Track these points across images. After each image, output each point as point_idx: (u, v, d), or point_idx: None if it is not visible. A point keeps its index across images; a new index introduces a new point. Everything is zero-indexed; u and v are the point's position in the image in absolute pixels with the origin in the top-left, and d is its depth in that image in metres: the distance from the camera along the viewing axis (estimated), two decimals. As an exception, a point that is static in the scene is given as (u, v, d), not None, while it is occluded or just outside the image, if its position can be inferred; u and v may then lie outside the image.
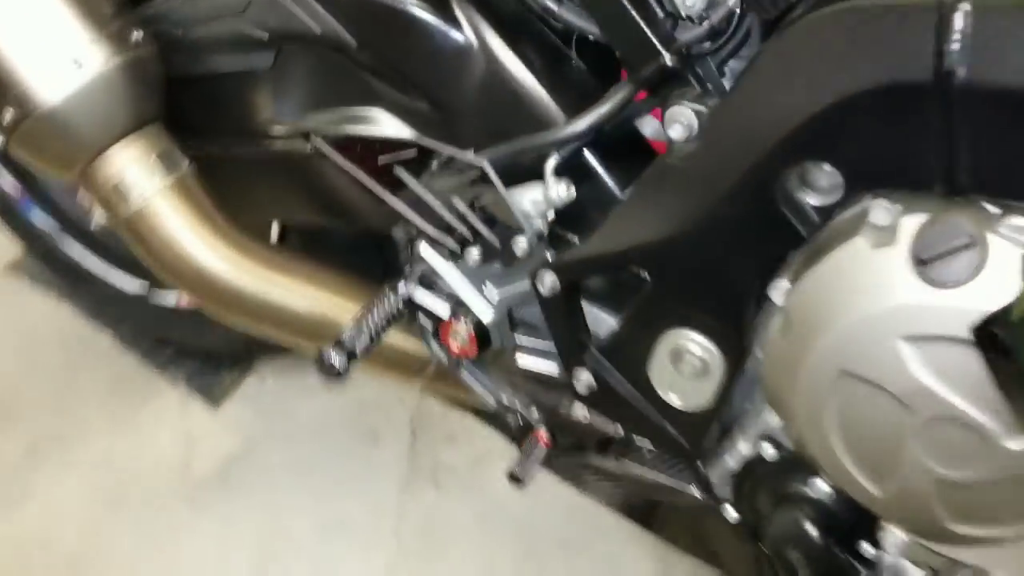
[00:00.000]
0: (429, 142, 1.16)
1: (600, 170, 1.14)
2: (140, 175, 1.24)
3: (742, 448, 1.07)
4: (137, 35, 1.22)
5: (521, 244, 1.15)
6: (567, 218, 1.13)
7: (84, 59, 1.16)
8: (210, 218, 1.28)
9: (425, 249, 1.23)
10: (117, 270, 1.88)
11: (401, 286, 1.24)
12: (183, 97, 1.30)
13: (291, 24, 1.20)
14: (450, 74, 1.15)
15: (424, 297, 1.24)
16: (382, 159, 1.22)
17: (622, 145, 1.15)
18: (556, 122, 1.11)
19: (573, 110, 1.09)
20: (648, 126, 1.19)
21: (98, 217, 1.41)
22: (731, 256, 0.93)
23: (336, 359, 1.17)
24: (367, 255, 1.54)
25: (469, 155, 1.11)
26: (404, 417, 1.96)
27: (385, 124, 1.23)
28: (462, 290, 1.23)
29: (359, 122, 1.23)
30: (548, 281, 1.13)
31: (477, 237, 1.18)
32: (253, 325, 1.33)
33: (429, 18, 1.12)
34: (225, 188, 1.31)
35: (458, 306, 1.23)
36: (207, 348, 1.95)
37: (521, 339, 1.24)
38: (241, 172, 1.39)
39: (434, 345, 1.30)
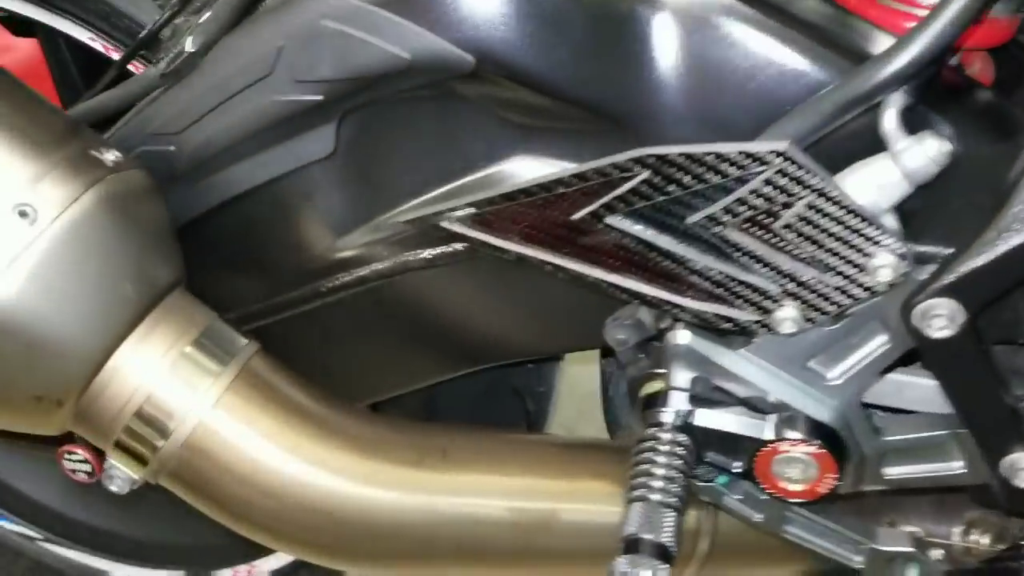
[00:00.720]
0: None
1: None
2: (179, 379, 0.71)
3: None
4: (111, 155, 0.72)
5: (880, 265, 0.64)
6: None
7: (34, 202, 0.65)
8: (320, 419, 0.76)
9: (688, 338, 0.71)
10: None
11: (665, 416, 0.72)
12: (195, 252, 0.80)
13: (359, 62, 0.72)
14: (639, 63, 0.69)
15: (716, 419, 0.71)
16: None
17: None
18: (833, 76, 0.64)
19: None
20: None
21: (117, 482, 0.87)
22: None
23: (650, 572, 0.64)
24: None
25: (766, 145, 0.62)
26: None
27: (531, 172, 0.75)
28: (775, 386, 0.71)
29: (492, 188, 0.73)
30: (942, 314, 0.63)
31: (788, 294, 0.67)
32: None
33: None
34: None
35: (778, 415, 0.71)
36: None
37: (889, 437, 0.73)
38: (308, 342, 0.87)
39: (733, 499, 0.76)
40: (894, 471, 0.74)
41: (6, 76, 0.71)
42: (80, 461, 1.01)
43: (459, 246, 0.78)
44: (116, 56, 0.93)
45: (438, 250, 0.79)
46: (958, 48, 0.69)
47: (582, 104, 0.72)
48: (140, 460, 0.73)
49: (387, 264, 0.81)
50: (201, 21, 0.77)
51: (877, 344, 0.69)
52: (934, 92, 0.68)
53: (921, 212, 0.68)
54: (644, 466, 0.69)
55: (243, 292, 0.85)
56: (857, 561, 0.78)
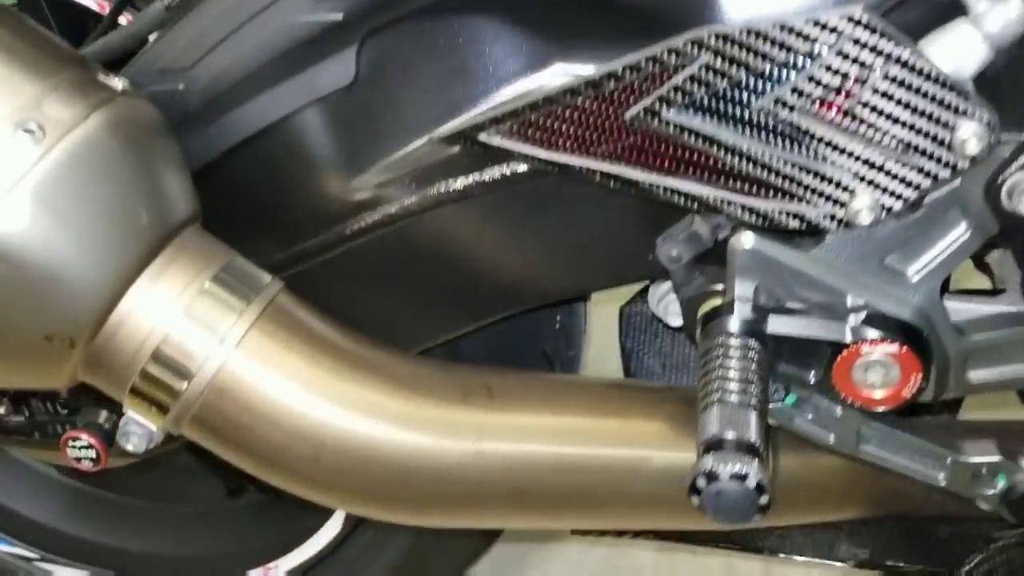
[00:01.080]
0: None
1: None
2: (199, 317, 0.65)
3: None
4: (120, 82, 0.66)
5: (966, 136, 0.60)
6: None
7: (39, 120, 0.59)
8: (354, 357, 0.70)
9: (753, 241, 0.66)
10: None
11: (732, 324, 0.66)
12: (211, 201, 0.74)
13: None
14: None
15: (789, 325, 0.66)
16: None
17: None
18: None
19: None
20: None
21: (133, 439, 0.78)
22: None
23: (740, 466, 0.58)
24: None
25: (837, 11, 0.57)
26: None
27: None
28: (851, 286, 0.66)
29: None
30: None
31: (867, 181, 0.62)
32: (498, 516, 0.74)
33: None
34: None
35: (856, 316, 0.66)
36: None
37: (973, 336, 0.68)
38: (334, 293, 0.81)
39: (804, 419, 0.71)
40: (980, 375, 0.69)
41: (6, 8, 0.65)
42: (85, 447, 0.93)
43: (493, 173, 0.73)
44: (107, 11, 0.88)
45: (471, 179, 0.74)
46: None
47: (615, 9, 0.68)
48: (160, 407, 0.66)
49: (416, 198, 0.75)
50: (208, -55, 0.72)
51: (957, 234, 0.65)
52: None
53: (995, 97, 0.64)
54: (715, 372, 0.64)
55: (263, 242, 0.79)
56: (939, 478, 0.73)
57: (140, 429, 0.74)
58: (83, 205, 0.61)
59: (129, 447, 0.73)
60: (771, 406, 0.71)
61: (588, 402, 0.78)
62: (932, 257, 0.66)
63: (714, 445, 0.59)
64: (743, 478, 0.58)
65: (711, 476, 0.59)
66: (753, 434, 0.60)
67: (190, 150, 0.75)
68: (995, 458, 0.72)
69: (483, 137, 0.67)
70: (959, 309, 0.69)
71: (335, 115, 0.75)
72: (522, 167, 0.72)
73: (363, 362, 0.71)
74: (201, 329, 0.65)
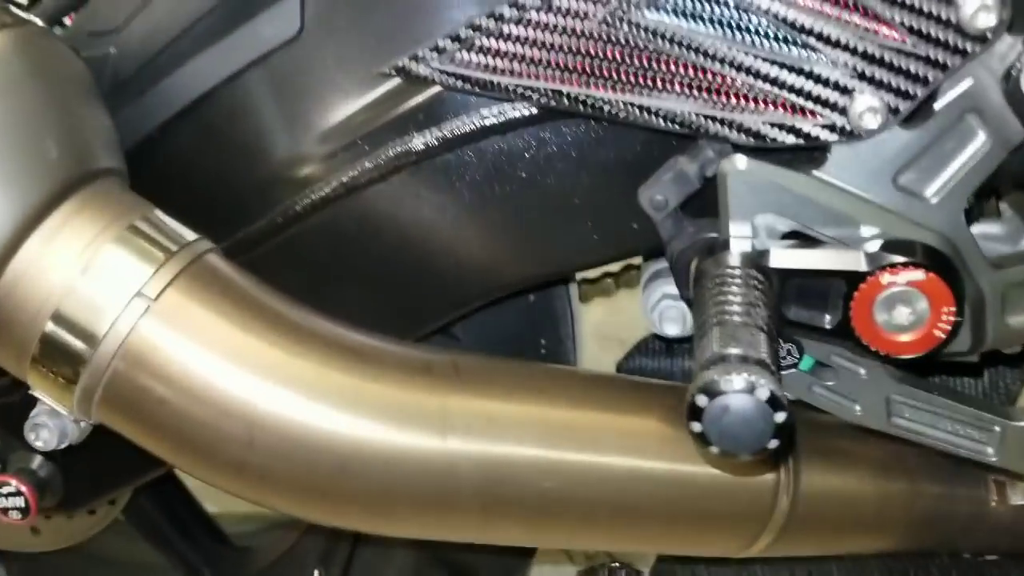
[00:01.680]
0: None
1: None
2: (108, 270, 0.56)
3: None
4: (37, 20, 0.61)
5: (974, 8, 0.52)
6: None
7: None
8: (294, 325, 0.61)
9: (746, 163, 0.58)
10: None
11: (731, 258, 0.57)
12: (149, 181, 0.66)
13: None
14: None
15: (796, 257, 0.57)
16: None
17: None
18: None
19: None
20: None
21: (43, 432, 0.67)
22: None
23: (748, 375, 0.47)
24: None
25: None
26: None
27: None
28: (863, 211, 0.57)
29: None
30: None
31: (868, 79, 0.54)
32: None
33: None
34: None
35: (871, 244, 0.56)
36: None
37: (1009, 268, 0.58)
38: (285, 286, 0.72)
39: (823, 388, 0.60)
40: (1022, 320, 0.59)
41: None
42: (12, 494, 0.82)
43: (455, 128, 0.66)
44: None
45: (430, 135, 0.66)
46: None
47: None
48: (67, 381, 0.56)
49: (370, 163, 0.67)
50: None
51: (976, 145, 0.57)
52: None
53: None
54: (711, 306, 0.54)
55: (207, 227, 0.71)
56: (988, 452, 0.62)
57: (51, 420, 0.64)
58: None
59: (39, 443, 0.63)
60: (785, 373, 0.61)
61: (577, 393, 0.68)
62: (951, 174, 0.57)
63: (715, 360, 0.49)
64: (752, 390, 0.47)
65: (712, 390, 0.48)
66: (762, 349, 0.49)
67: (125, 123, 0.68)
68: (1054, 421, 0.61)
69: (437, 65, 0.60)
70: (991, 237, 0.60)
71: (280, 75, 0.69)
72: (486, 119, 0.65)
73: (306, 331, 0.61)
74: (110, 284, 0.56)
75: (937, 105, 0.57)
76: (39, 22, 0.60)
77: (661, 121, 0.58)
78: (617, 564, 0.86)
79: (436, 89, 0.65)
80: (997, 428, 0.61)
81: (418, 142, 0.67)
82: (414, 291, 0.73)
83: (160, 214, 0.61)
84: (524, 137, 0.66)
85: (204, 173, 0.72)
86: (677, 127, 0.59)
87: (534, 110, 0.64)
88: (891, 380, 0.61)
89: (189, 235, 0.61)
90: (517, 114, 0.65)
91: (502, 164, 0.68)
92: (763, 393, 0.47)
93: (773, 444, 0.49)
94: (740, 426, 0.48)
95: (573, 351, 0.86)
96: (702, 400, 0.48)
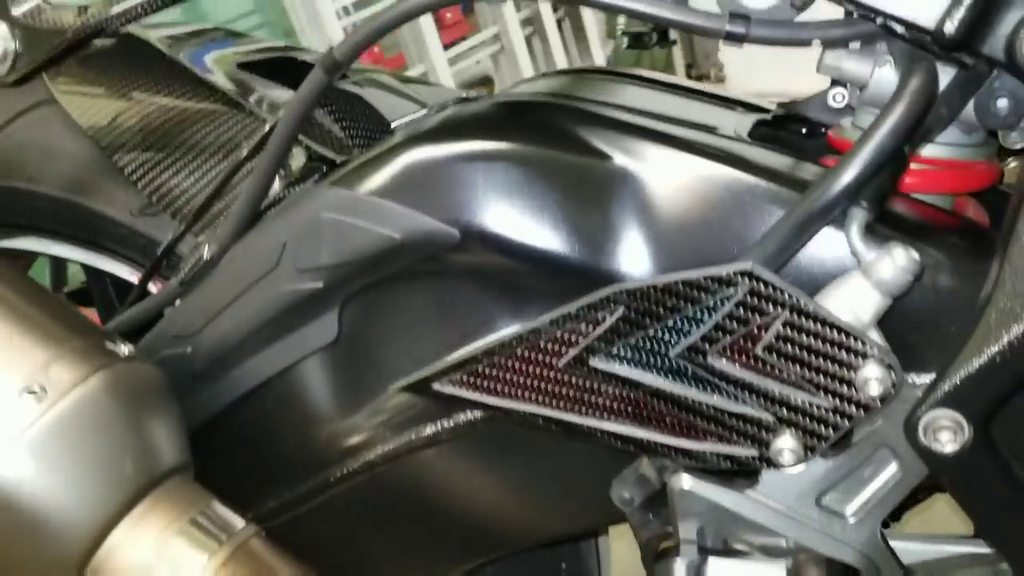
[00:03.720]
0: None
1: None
2: (173, 557, 0.71)
3: None
4: (125, 348, 0.77)
5: (868, 377, 0.63)
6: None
7: (44, 383, 0.69)
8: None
9: (690, 483, 0.69)
10: None
11: (677, 569, 0.68)
12: (211, 455, 0.82)
13: (355, 245, 0.77)
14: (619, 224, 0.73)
15: (728, 570, 0.67)
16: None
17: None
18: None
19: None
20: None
21: None
22: None
23: None
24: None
25: (731, 267, 0.63)
26: None
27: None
28: (788, 527, 0.67)
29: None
30: (946, 425, 0.61)
31: (783, 421, 0.65)
32: None
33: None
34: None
35: (794, 558, 0.66)
36: None
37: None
38: (320, 541, 0.86)
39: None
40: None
41: (26, 278, 0.78)
42: None
43: (461, 418, 0.79)
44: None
45: (440, 425, 0.80)
46: (912, 160, 0.70)
47: (567, 270, 0.75)
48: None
49: (391, 446, 0.81)
50: (216, 231, 0.85)
51: (889, 474, 0.66)
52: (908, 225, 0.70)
53: (917, 347, 0.68)
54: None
55: (257, 492, 0.86)
56: None
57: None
58: (74, 456, 0.69)
59: None
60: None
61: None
62: (867, 498, 0.67)
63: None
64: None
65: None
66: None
67: (197, 406, 0.85)
68: None
69: (436, 387, 0.73)
70: (911, 550, 0.68)
71: (322, 370, 0.84)
72: (483, 414, 0.78)
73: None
74: (175, 568, 0.71)
75: (854, 438, 0.67)
76: (127, 349, 0.76)
77: (618, 443, 0.70)
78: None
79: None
80: None
81: (427, 430, 0.80)
82: (430, 548, 0.86)
83: (217, 506, 0.75)
84: (516, 429, 0.79)
85: (258, 445, 0.87)
86: (631, 448, 0.70)
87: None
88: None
89: (238, 523, 0.75)
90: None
91: (505, 446, 0.80)
92: None
93: None
94: None
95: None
96: None
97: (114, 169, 0.96)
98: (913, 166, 0.71)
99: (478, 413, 0.78)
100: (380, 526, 0.86)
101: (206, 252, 0.84)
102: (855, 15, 0.68)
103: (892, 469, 0.66)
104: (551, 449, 0.79)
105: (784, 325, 0.64)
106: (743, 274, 0.64)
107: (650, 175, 0.74)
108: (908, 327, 0.67)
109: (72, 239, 1.02)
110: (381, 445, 0.82)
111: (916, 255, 0.64)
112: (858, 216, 0.65)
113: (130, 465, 0.71)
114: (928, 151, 0.72)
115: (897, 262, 0.63)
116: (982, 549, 0.68)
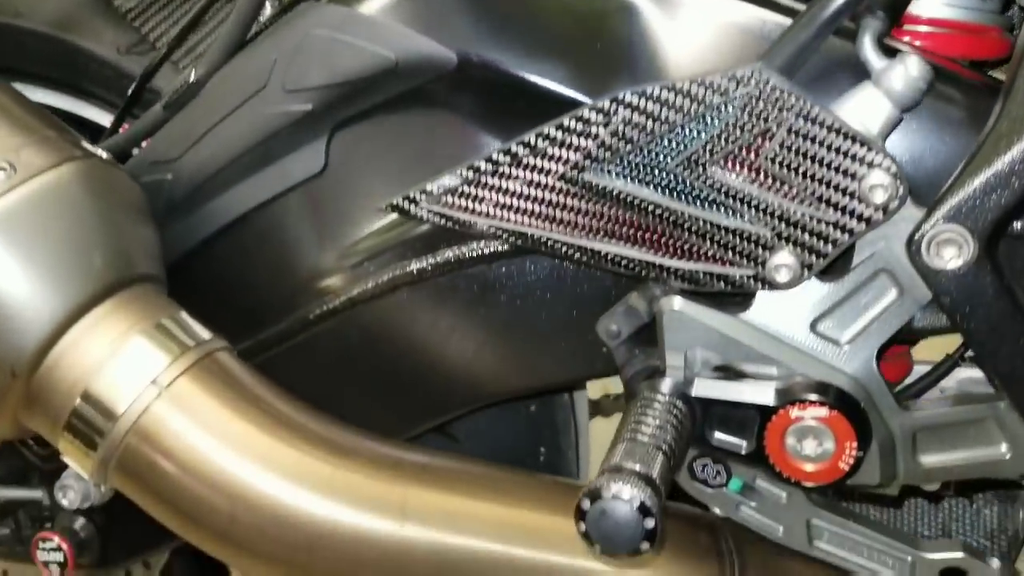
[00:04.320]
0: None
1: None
2: (132, 359, 0.67)
3: None
4: (102, 152, 0.74)
5: (874, 184, 0.61)
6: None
7: (14, 161, 0.66)
8: (284, 418, 0.71)
9: (681, 304, 0.66)
10: None
11: (663, 386, 0.65)
12: (188, 289, 0.79)
13: (347, 65, 0.74)
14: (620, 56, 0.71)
15: (715, 388, 0.64)
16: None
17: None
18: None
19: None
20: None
21: (70, 493, 0.79)
22: None
23: (627, 488, 0.55)
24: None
25: (740, 69, 0.61)
26: None
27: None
28: (781, 352, 0.65)
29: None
30: (950, 239, 0.59)
31: (782, 238, 0.63)
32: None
33: None
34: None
35: (784, 381, 0.64)
36: None
37: (918, 413, 0.65)
38: (296, 383, 0.83)
39: (750, 508, 0.67)
40: (933, 459, 0.65)
41: (6, 83, 0.75)
42: (54, 549, 0.93)
43: (448, 254, 0.76)
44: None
45: (424, 261, 0.77)
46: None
47: (566, 103, 0.73)
48: (88, 450, 0.67)
49: (374, 282, 0.78)
50: (205, 53, 0.82)
51: (888, 300, 0.64)
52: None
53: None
54: (636, 417, 0.62)
55: (234, 329, 0.82)
56: (900, 581, 0.67)
57: (76, 483, 0.75)
58: (40, 241, 0.66)
59: (65, 502, 0.73)
60: (715, 491, 0.68)
61: (538, 496, 0.75)
62: (864, 324, 0.64)
63: (610, 470, 0.57)
64: (627, 498, 0.55)
65: (595, 495, 0.55)
66: (655, 469, 0.57)
67: (175, 237, 0.81)
68: (958, 554, 0.65)
69: (424, 206, 0.71)
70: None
71: (305, 202, 0.81)
72: (472, 250, 0.75)
73: (295, 423, 0.71)
74: (132, 370, 0.68)
75: (853, 262, 0.64)
76: (104, 154, 0.73)
77: (609, 264, 0.67)
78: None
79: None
80: (908, 558, 0.66)
81: (413, 266, 0.77)
82: (406, 395, 0.83)
83: (185, 316, 0.72)
84: (506, 267, 0.76)
85: (235, 282, 0.84)
86: (623, 270, 0.67)
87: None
88: (810, 505, 0.67)
89: (206, 334, 0.72)
90: (499, 247, 0.75)
91: (486, 289, 0.77)
92: (635, 502, 0.55)
93: (645, 547, 0.56)
94: (614, 528, 0.55)
95: (575, 461, 0.93)
96: (586, 503, 0.56)
97: (104, 3, 0.93)
98: (927, 29, 0.70)
99: (463, 250, 0.75)
100: (356, 370, 0.82)
101: (192, 75, 0.81)
102: None
103: (891, 295, 0.64)
104: (534, 294, 0.77)
105: (790, 132, 0.61)
106: (751, 76, 0.61)
107: (657, 7, 0.72)
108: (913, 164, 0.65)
109: (55, 83, 0.99)
110: (363, 281, 0.79)
111: (927, 66, 0.62)
112: (872, 25, 0.63)
113: (98, 260, 0.68)
114: (944, 12, 0.70)
115: (910, 71, 0.61)
116: (981, 388, 0.66)
